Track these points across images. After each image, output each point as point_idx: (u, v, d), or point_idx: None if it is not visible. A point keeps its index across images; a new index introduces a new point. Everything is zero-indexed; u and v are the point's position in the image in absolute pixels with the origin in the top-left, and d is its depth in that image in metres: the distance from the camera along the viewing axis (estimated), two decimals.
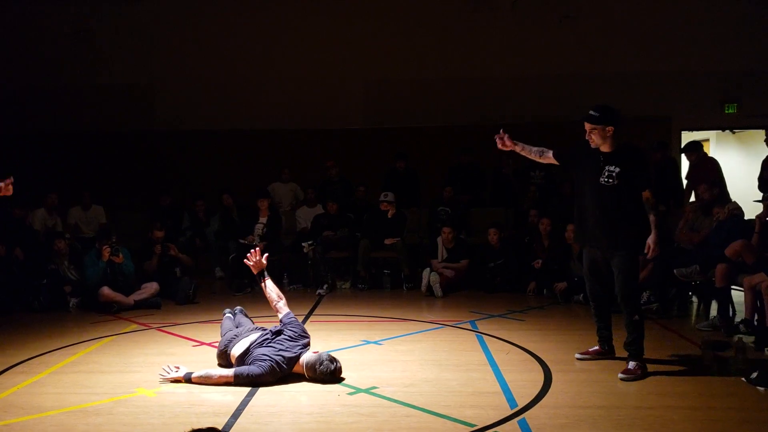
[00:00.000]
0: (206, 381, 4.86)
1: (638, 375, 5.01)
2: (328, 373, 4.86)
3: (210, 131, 12.33)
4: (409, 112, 12.20)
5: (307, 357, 4.96)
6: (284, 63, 12.22)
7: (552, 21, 11.83)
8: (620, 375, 5.03)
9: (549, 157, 5.53)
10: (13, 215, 9.51)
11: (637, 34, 11.80)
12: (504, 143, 5.49)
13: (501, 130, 5.49)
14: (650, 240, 5.05)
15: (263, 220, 9.83)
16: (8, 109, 12.28)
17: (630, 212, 5.08)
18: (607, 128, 5.05)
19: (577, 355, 5.55)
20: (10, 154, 11.56)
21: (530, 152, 5.57)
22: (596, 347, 5.56)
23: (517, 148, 5.52)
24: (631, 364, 5.09)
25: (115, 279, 8.17)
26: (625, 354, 5.23)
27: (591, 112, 5.08)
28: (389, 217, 9.73)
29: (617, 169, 5.05)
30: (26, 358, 5.81)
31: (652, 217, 5.08)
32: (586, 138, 5.16)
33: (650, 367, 5.21)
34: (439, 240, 9.39)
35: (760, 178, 9.46)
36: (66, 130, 12.39)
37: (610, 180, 5.07)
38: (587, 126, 5.10)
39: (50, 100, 12.40)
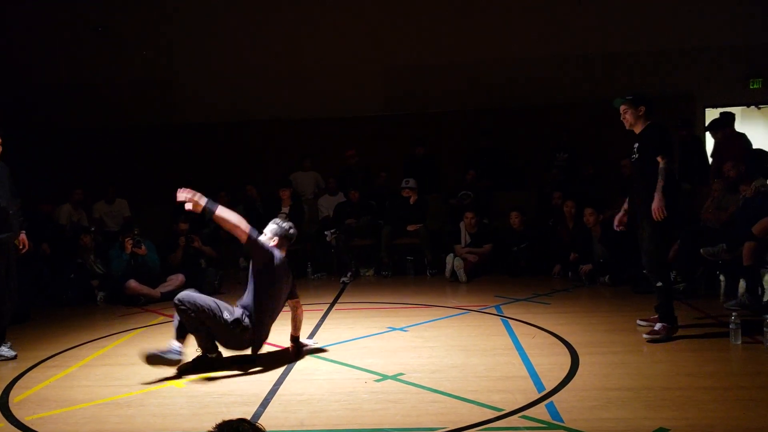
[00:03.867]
0: (224, 222, 4.93)
1: (662, 336, 5.38)
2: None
3: (231, 123, 12.38)
4: (428, 98, 12.16)
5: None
6: (303, 53, 12.20)
7: (571, 0, 11.67)
8: (645, 335, 5.44)
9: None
10: (40, 211, 9.64)
11: (658, 10, 11.59)
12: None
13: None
14: (653, 204, 5.29)
15: (286, 209, 9.87)
16: (32, 106, 12.43)
17: (646, 182, 5.42)
18: (639, 108, 5.54)
19: (639, 321, 5.86)
20: (34, 151, 11.72)
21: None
22: (655, 315, 5.71)
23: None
24: (657, 326, 5.47)
25: (140, 271, 8.26)
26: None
27: (626, 96, 5.59)
28: (411, 203, 9.72)
29: (637, 144, 5.60)
30: (57, 351, 5.91)
31: (659, 182, 5.30)
32: (621, 119, 5.64)
33: (679, 347, 5.21)
34: (462, 225, 9.37)
35: None
36: (89, 126, 12.52)
37: (634, 155, 5.62)
38: (621, 108, 5.61)
39: (73, 97, 12.52)
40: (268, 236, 5.28)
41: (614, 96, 5.69)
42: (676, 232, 6.01)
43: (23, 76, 12.41)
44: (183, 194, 4.91)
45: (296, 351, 5.43)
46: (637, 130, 5.61)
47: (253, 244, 5.00)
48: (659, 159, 5.35)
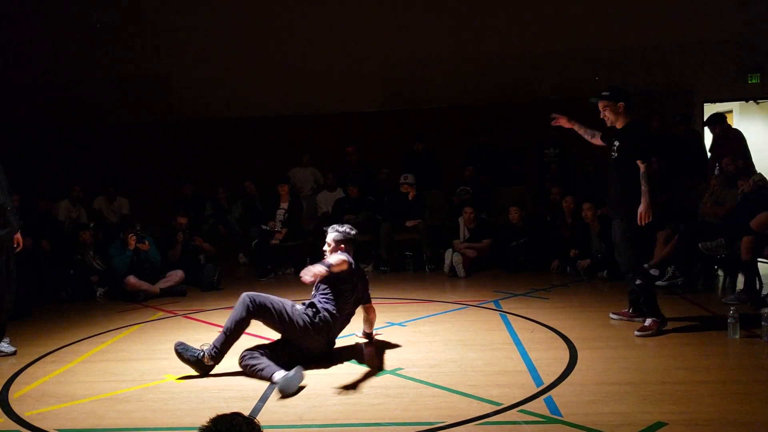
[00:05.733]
0: (338, 268, 4.92)
1: (654, 331, 5.41)
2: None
3: (230, 119, 12.36)
4: (427, 93, 12.14)
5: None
6: (301, 48, 12.19)
7: None
8: (636, 332, 5.43)
9: (598, 140, 5.87)
10: (39, 208, 9.63)
11: (656, 5, 11.59)
12: (561, 123, 5.85)
13: (553, 114, 5.91)
14: (640, 208, 5.34)
15: (284, 205, 9.87)
16: (30, 102, 12.42)
17: (627, 183, 5.44)
18: (618, 104, 5.49)
19: (612, 315, 5.93)
20: (33, 147, 11.73)
21: (585, 132, 5.92)
22: (625, 309, 5.94)
23: (575, 127, 5.88)
24: (648, 321, 5.49)
25: (143, 267, 8.27)
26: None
27: (603, 92, 5.55)
28: (410, 199, 9.72)
29: (617, 143, 5.55)
30: (56, 347, 5.91)
31: (643, 186, 5.33)
32: (601, 117, 5.60)
33: (677, 342, 5.23)
34: (461, 220, 9.37)
35: None
36: (88, 122, 12.51)
37: (614, 154, 5.59)
38: (600, 105, 5.54)
39: (71, 93, 12.50)
40: (333, 246, 5.30)
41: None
42: (650, 231, 6.02)
43: (21, 73, 12.39)
44: (307, 277, 4.69)
45: (370, 341, 5.62)
46: (619, 125, 5.56)
47: (350, 267, 5.10)
48: (639, 164, 5.35)
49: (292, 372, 4.41)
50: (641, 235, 5.57)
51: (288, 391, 4.31)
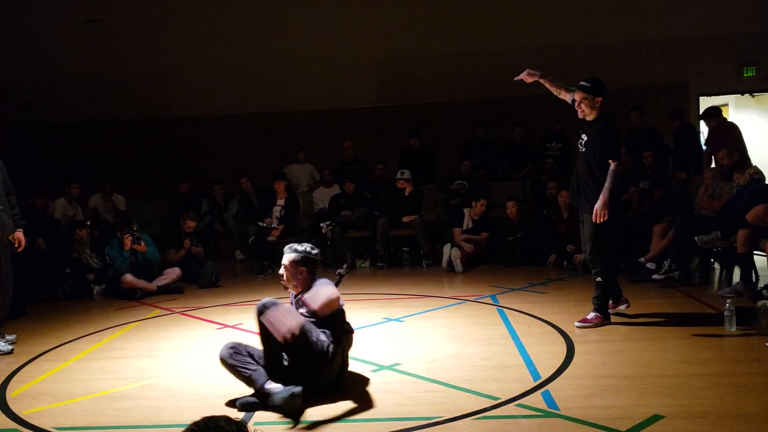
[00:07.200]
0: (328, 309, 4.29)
1: (594, 324, 5.56)
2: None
3: (225, 116, 12.32)
4: (423, 89, 12.11)
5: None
6: (296, 44, 12.14)
7: None
8: (576, 323, 5.59)
9: (564, 96, 5.76)
10: (35, 206, 9.61)
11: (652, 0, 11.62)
12: (523, 77, 5.81)
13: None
14: (596, 205, 5.35)
15: (281, 202, 9.86)
16: (25, 101, 12.37)
17: (594, 178, 5.45)
18: (596, 99, 5.39)
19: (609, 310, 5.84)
20: (28, 146, 11.69)
21: (552, 86, 5.81)
22: (616, 303, 5.94)
23: (545, 83, 5.79)
24: (590, 315, 5.63)
25: (142, 268, 8.24)
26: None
27: (582, 83, 5.41)
28: (406, 194, 9.71)
29: (585, 138, 5.51)
30: (53, 345, 5.91)
31: (606, 183, 5.33)
32: (576, 107, 5.50)
33: (673, 335, 5.23)
34: (467, 210, 9.34)
35: None
36: (83, 120, 12.45)
37: (580, 147, 5.57)
38: (578, 96, 5.43)
39: (67, 91, 12.45)
40: (291, 269, 4.44)
41: (609, 86, 5.59)
42: (620, 227, 5.99)
43: (16, 71, 12.34)
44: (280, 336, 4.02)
45: None
46: (590, 119, 5.49)
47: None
48: (610, 162, 5.33)
49: (289, 390, 3.96)
50: (610, 233, 5.54)
51: (290, 409, 3.94)
